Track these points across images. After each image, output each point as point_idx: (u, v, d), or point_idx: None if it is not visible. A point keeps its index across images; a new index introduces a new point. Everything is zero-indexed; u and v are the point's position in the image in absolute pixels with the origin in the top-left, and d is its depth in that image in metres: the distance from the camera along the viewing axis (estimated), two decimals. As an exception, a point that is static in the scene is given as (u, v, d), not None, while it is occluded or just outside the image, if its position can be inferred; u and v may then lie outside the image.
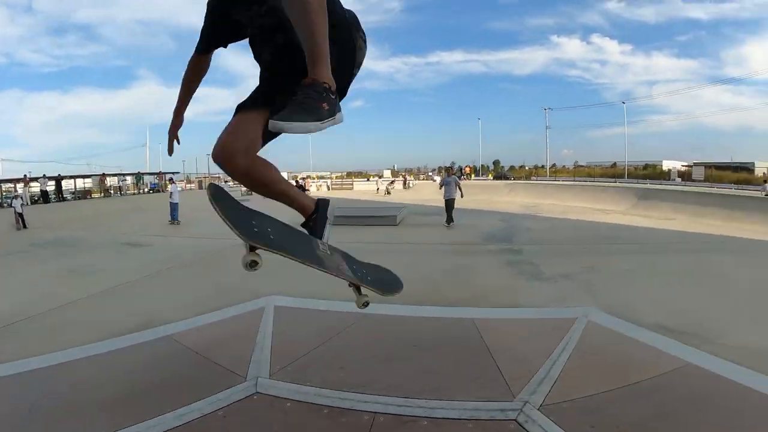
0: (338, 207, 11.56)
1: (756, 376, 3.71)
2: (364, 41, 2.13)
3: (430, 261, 9.73)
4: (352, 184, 53.35)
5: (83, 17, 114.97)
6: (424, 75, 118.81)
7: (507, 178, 47.92)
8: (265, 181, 2.22)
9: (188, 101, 2.82)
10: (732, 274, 8.72)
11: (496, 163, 77.54)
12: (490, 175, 59.75)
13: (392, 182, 50.54)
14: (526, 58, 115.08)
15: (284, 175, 40.08)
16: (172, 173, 45.23)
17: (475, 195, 29.26)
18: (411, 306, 5.89)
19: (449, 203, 16.33)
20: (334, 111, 1.55)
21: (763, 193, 22.62)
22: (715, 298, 7.09)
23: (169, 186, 22.03)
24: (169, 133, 2.85)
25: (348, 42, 2.00)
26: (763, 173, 36.30)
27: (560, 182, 39.75)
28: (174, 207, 19.22)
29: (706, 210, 18.73)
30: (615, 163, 55.09)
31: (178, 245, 13.54)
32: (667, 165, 51.79)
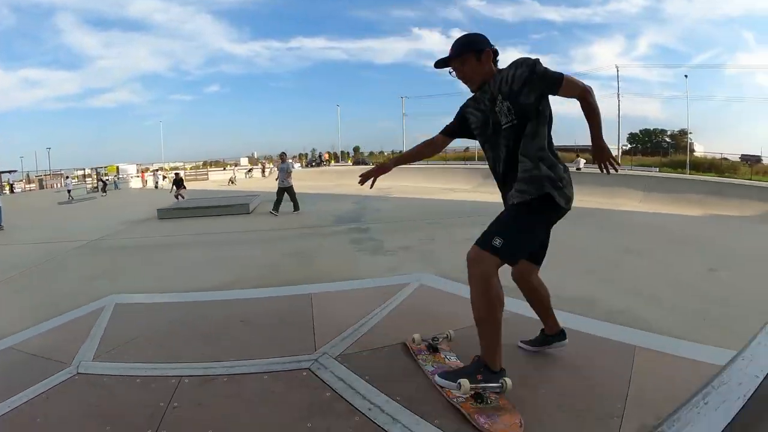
0: (190, 198, 11.33)
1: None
2: None
3: (277, 246, 9.69)
4: (206, 175, 51.53)
5: None
6: (285, 60, 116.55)
7: (366, 164, 48.76)
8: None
9: (409, 162, 3.51)
10: (554, 236, 9.57)
11: (356, 149, 78.70)
12: (349, 161, 60.53)
13: (250, 170, 49.56)
14: (387, 47, 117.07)
15: (133, 168, 37.84)
16: (9, 171, 41.12)
17: (333, 180, 29.61)
18: (249, 290, 5.93)
19: (282, 191, 15.45)
20: None
21: (575, 167, 25.06)
22: (547, 258, 7.75)
23: None
24: (375, 171, 3.32)
25: None
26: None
27: (415, 165, 41.03)
28: None
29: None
30: (467, 148, 57.87)
31: (14, 254, 12.07)
32: (516, 148, 55.56)
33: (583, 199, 16.97)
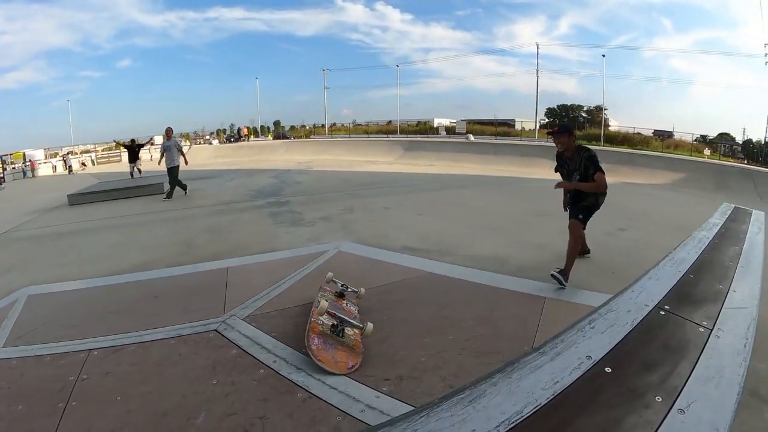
0: (102, 181, 10.68)
1: (465, 271, 4.94)
2: None
3: (192, 224, 9.40)
4: (119, 156, 49.08)
5: None
6: (201, 32, 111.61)
7: (286, 138, 48.07)
8: None
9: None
10: (470, 204, 10.14)
11: (276, 123, 77.11)
12: (269, 136, 59.35)
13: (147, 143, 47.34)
14: (308, 19, 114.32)
15: (41, 153, 35.00)
16: None
17: (251, 156, 28.95)
18: (162, 269, 5.81)
19: (171, 172, 13.55)
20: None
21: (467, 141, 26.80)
22: (455, 223, 8.09)
23: None
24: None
25: None
26: (522, 127, 41.74)
27: (337, 139, 40.85)
28: None
29: (464, 156, 21.13)
30: (390, 121, 58.08)
31: None
32: (437, 122, 56.32)
33: (503, 169, 17.69)
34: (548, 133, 5.54)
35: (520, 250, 6.37)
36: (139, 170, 18.97)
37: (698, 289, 1.98)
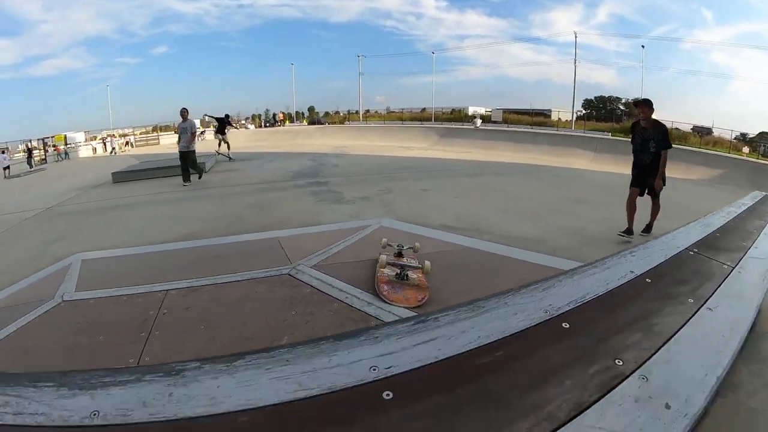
0: (145, 161, 11.12)
1: (501, 247, 5.09)
2: None
3: (238, 201, 9.80)
4: (158, 139, 50.19)
5: None
6: (235, 18, 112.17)
7: (321, 123, 48.50)
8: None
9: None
10: (506, 189, 10.38)
11: (311, 109, 77.29)
12: (304, 122, 59.73)
13: (202, 132, 48.48)
14: (342, 5, 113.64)
15: (81, 135, 35.54)
16: None
17: (288, 140, 29.40)
18: (214, 238, 6.14)
19: (184, 156, 12.85)
20: None
21: (473, 127, 27.41)
22: (492, 206, 8.31)
23: None
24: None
25: None
26: (558, 118, 41.32)
27: (371, 125, 41.06)
28: None
29: (498, 144, 21.20)
30: (424, 109, 57.83)
31: None
32: (472, 110, 55.87)
33: (539, 157, 17.75)
34: (633, 103, 7.55)
35: (556, 234, 6.55)
36: (222, 147, 19.12)
37: (723, 242, 2.25)
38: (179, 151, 12.91)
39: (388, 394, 0.96)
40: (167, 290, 3.31)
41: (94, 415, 0.94)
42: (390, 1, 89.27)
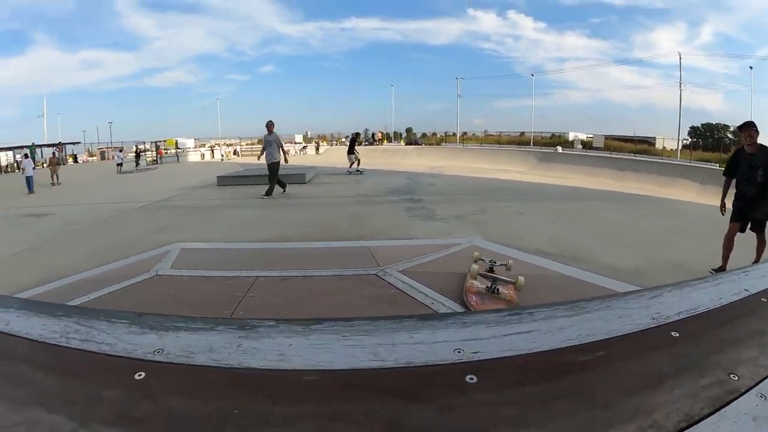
0: (251, 167, 11.60)
1: (599, 278, 4.81)
2: None
3: (333, 211, 10.07)
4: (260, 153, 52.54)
5: None
6: (337, 41, 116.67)
7: (418, 144, 48.91)
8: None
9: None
10: (604, 216, 9.80)
11: (408, 130, 78.15)
12: (402, 142, 60.41)
13: (304, 147, 50.52)
14: (440, 28, 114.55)
15: (191, 142, 38.27)
16: (73, 143, 43.16)
17: (385, 158, 29.76)
18: (307, 242, 6.28)
19: (271, 168, 12.87)
20: None
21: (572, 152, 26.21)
22: (589, 233, 7.98)
23: (23, 161, 21.50)
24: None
25: None
26: (663, 146, 39.34)
27: (468, 148, 40.88)
28: (28, 179, 19.45)
29: (600, 171, 20.43)
30: (523, 133, 56.92)
31: (78, 211, 12.96)
32: (572, 135, 54.39)
33: (641, 186, 16.93)
34: (738, 128, 6.40)
35: (655, 265, 6.08)
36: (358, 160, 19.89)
37: None
38: (267, 163, 12.92)
39: (471, 378, 0.89)
40: (257, 276, 3.42)
41: (158, 352, 0.96)
42: (488, 24, 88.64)
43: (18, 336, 1.12)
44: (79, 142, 44.96)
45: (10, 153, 34.27)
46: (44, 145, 38.99)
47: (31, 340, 1.10)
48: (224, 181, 16.29)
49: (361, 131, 72.15)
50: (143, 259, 5.70)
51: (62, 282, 5.29)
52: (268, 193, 12.66)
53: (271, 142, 12.92)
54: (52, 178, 22.30)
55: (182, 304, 3.02)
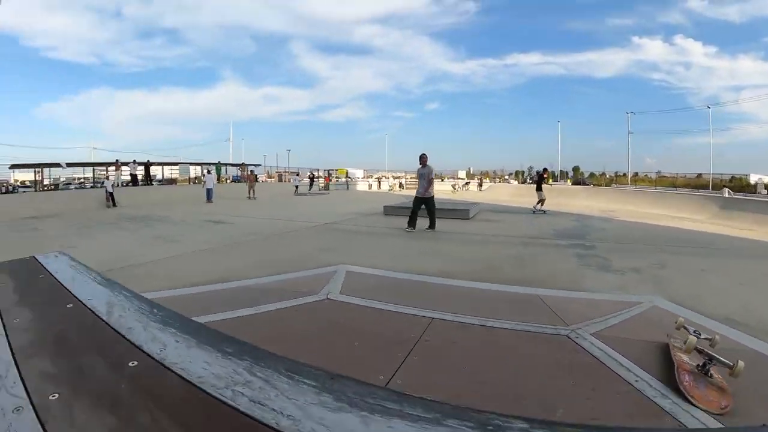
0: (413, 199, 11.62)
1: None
2: None
3: (497, 250, 9.94)
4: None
5: (170, 22, 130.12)
6: (500, 77, 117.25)
7: (586, 184, 46.92)
8: None
9: None
10: None
11: (575, 168, 75.46)
12: (568, 181, 58.52)
13: (467, 183, 50.94)
14: (605, 60, 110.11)
15: (360, 172, 41.43)
16: (255, 165, 48.03)
17: (551, 198, 28.79)
18: (477, 282, 6.25)
19: (420, 201, 12.93)
20: None
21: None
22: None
23: (206, 176, 28.47)
24: None
25: None
26: None
27: (640, 190, 38.51)
28: (209, 192, 26.01)
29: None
30: (700, 174, 52.62)
31: (255, 223, 14.98)
32: (754, 178, 49.34)
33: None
34: None
35: None
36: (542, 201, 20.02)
37: None
38: (416, 197, 13.00)
39: None
40: (432, 318, 3.32)
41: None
42: (655, 51, 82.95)
43: (172, 371, 0.97)
44: (260, 165, 49.39)
45: (199, 168, 39.66)
46: (228, 164, 44.21)
47: (187, 381, 0.92)
48: (391, 210, 17.07)
49: (525, 169, 71.27)
50: (310, 275, 6.09)
51: (231, 284, 5.84)
52: (431, 226, 12.78)
53: (423, 175, 12.99)
54: (249, 193, 27.03)
55: (352, 335, 3.04)
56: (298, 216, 16.92)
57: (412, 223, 12.74)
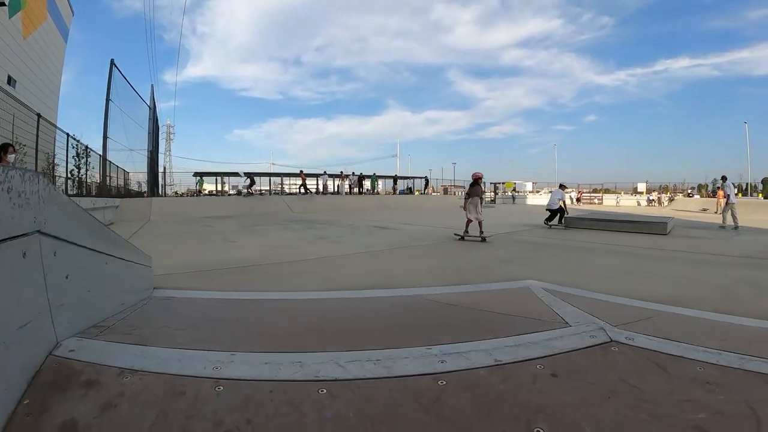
0: (596, 211, 10.79)
1: None
2: None
3: (717, 272, 7.88)
4: (601, 200, 51.28)
5: (341, 63, 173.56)
6: (653, 85, 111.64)
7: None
8: None
9: None
10: None
11: (765, 181, 66.56)
12: (760, 195, 51.94)
13: (651, 201, 47.01)
14: (759, 56, 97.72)
15: (529, 185, 42.11)
16: (421, 177, 49.05)
17: (745, 215, 24.79)
18: (701, 311, 4.72)
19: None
20: None
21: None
22: None
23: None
24: None
25: None
26: None
27: None
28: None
29: None
30: None
31: (422, 230, 14.79)
32: None
33: None
34: None
35: None
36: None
37: None
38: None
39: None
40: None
41: None
42: None
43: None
44: (426, 177, 49.64)
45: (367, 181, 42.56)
46: (385, 177, 47.89)
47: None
48: (571, 222, 15.62)
49: (708, 182, 64.33)
50: (498, 289, 5.50)
51: (429, 291, 5.27)
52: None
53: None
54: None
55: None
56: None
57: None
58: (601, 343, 2.54)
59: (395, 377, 2.01)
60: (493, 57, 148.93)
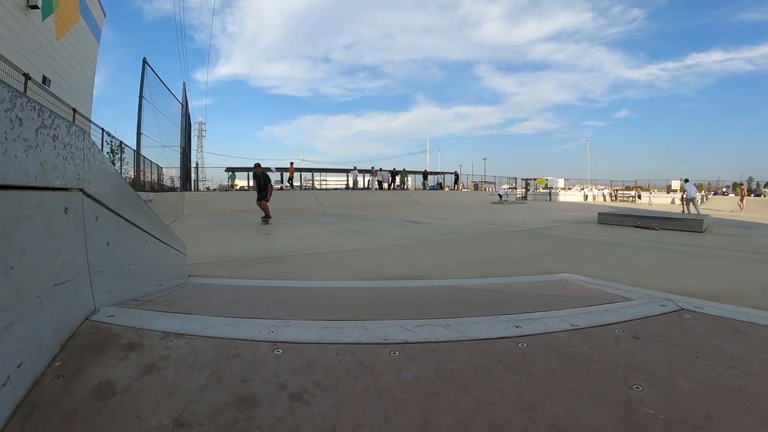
0: (630, 209, 10.68)
1: None
2: None
3: (752, 268, 7.75)
4: (635, 197, 50.38)
5: (369, 60, 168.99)
6: (685, 79, 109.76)
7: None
8: None
9: None
10: None
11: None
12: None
13: (687, 198, 45.79)
14: None
15: (561, 181, 41.98)
16: (450, 173, 48.93)
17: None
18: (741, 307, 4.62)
19: None
20: None
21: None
22: None
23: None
24: None
25: None
26: None
27: None
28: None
29: None
30: None
31: (453, 225, 14.84)
32: None
33: None
34: None
35: None
36: None
37: None
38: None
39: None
40: None
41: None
42: None
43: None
44: (455, 172, 49.36)
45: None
46: (415, 172, 48.01)
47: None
48: (605, 218, 15.46)
49: (743, 180, 62.68)
50: (537, 281, 5.51)
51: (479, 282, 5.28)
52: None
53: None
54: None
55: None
56: (498, 221, 16.76)
57: None
58: (673, 311, 2.54)
59: (470, 340, 1.96)
60: (522, 52, 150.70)
